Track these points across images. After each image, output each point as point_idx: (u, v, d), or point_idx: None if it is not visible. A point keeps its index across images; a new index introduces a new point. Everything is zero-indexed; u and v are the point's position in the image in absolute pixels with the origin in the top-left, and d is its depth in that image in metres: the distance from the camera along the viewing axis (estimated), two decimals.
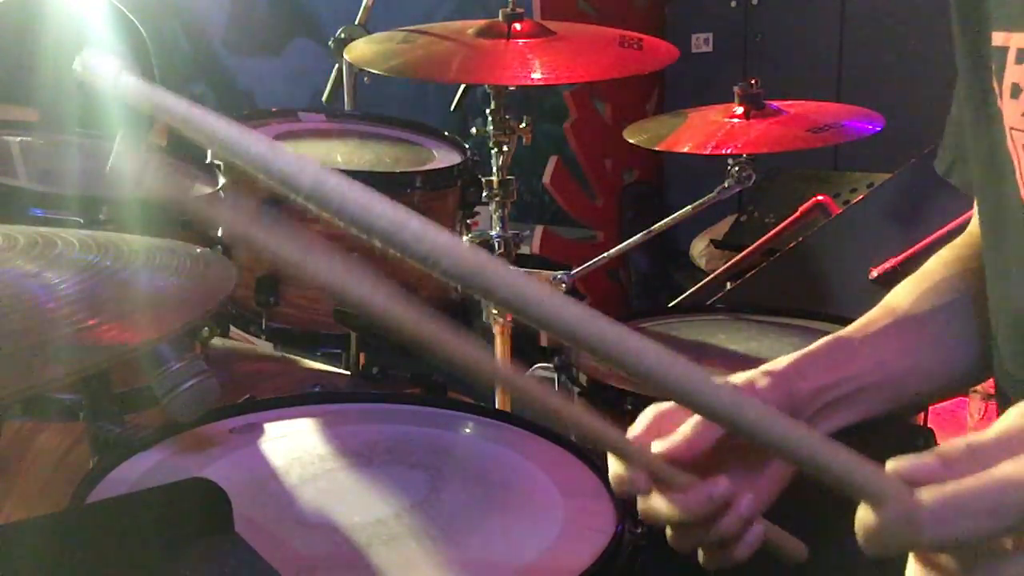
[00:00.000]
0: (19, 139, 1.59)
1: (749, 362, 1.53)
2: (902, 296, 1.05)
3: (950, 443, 0.71)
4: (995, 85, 0.92)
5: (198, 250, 0.94)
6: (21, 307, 0.72)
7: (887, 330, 1.02)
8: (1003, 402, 1.01)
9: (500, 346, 1.85)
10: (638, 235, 2.15)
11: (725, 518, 0.84)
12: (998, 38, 0.92)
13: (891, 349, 1.00)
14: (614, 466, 0.87)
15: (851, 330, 1.02)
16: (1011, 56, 0.90)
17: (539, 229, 4.29)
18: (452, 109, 2.07)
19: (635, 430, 0.89)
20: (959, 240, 1.10)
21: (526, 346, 1.93)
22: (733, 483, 0.85)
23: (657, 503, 0.85)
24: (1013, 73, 0.90)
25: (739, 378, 0.92)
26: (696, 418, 0.86)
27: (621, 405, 1.38)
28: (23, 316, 0.71)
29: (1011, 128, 0.90)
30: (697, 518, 0.84)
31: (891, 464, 0.71)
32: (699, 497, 0.83)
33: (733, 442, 0.86)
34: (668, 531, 0.86)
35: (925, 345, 1.02)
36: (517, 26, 1.71)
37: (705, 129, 2.03)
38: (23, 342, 0.66)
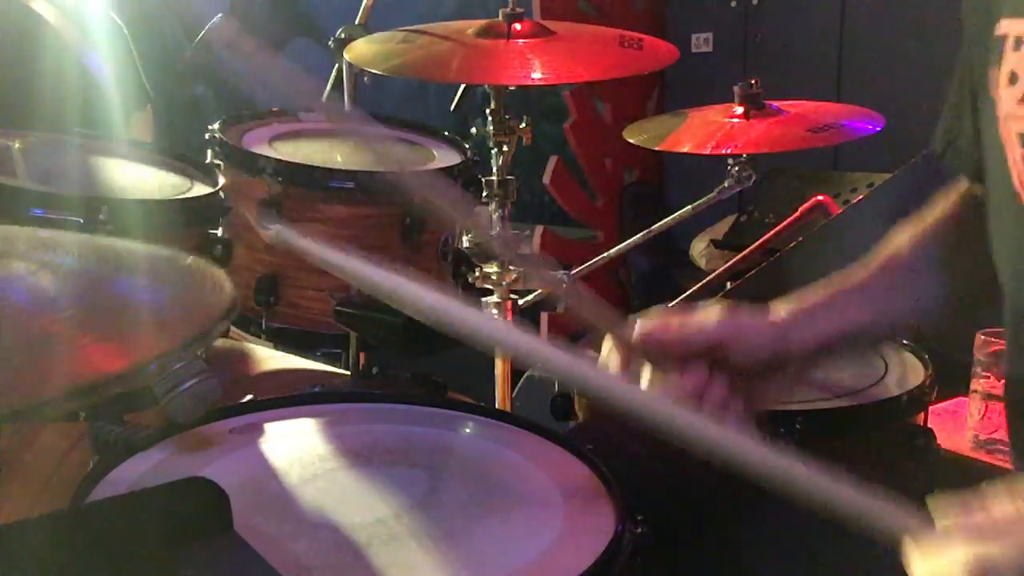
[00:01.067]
0: (19, 139, 1.59)
1: None
2: (902, 243, 1.13)
3: (999, 502, 0.76)
4: (994, 72, 0.92)
5: (189, 259, 0.92)
6: (14, 326, 0.72)
7: (887, 278, 1.11)
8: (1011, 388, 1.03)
9: None
10: (638, 235, 2.15)
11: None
12: (1002, 26, 0.92)
13: (888, 298, 1.10)
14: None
15: (854, 279, 1.10)
16: (1009, 44, 0.90)
17: (539, 229, 4.28)
18: (452, 109, 2.07)
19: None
20: (953, 196, 1.15)
21: None
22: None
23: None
24: (1011, 60, 0.90)
25: (736, 322, 1.02)
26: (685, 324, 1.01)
27: None
28: (16, 333, 0.70)
29: (1006, 116, 0.90)
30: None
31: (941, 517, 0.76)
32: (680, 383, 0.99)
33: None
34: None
35: (917, 291, 1.11)
36: (517, 26, 1.71)
37: (705, 129, 2.03)
38: (15, 361, 0.66)
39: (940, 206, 1.15)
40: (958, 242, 1.11)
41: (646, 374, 1.03)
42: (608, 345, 1.04)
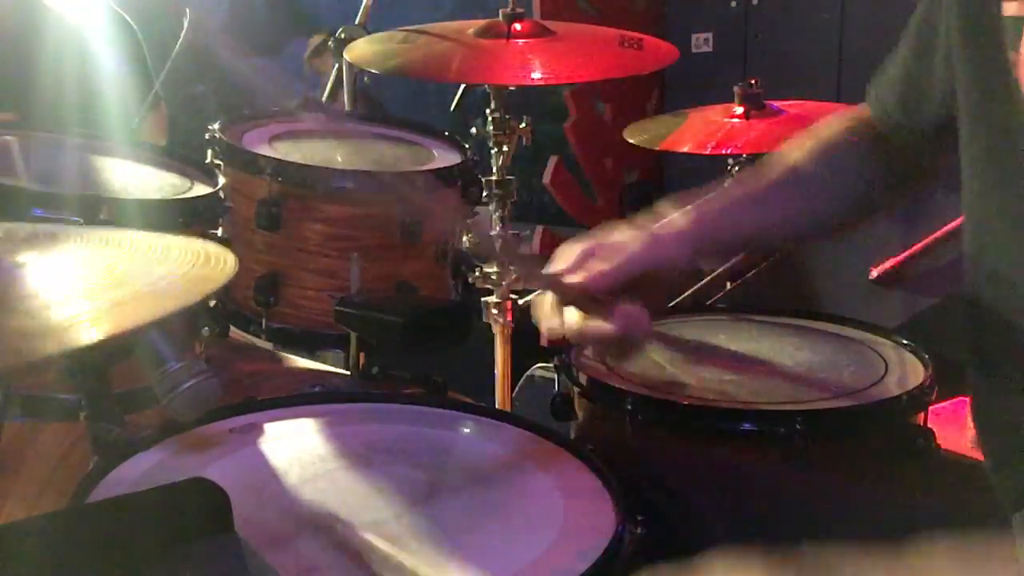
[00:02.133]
0: (19, 139, 1.59)
1: (749, 362, 1.53)
2: (798, 154, 1.24)
3: None
4: (1011, 55, 0.91)
5: (199, 243, 0.94)
6: (14, 294, 0.72)
7: (784, 188, 1.21)
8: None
9: (500, 346, 1.85)
10: None
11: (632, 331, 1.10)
12: (1010, 7, 0.91)
13: (786, 206, 1.21)
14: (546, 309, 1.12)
15: (751, 189, 1.23)
16: None
17: (539, 229, 4.28)
18: (452, 109, 2.07)
19: (559, 264, 1.12)
20: (852, 119, 1.27)
21: (526, 346, 1.93)
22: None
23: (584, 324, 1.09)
24: None
25: (641, 231, 1.13)
26: (611, 261, 1.10)
27: (621, 405, 1.38)
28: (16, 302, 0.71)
29: None
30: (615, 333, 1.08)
31: None
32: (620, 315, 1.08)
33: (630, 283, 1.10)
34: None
35: (815, 198, 1.23)
36: (517, 26, 1.71)
37: (705, 129, 2.04)
38: (20, 324, 0.66)
39: (838, 125, 1.26)
40: (851, 161, 1.22)
41: (573, 316, 1.10)
42: (544, 301, 1.13)
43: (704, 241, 1.16)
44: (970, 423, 1.90)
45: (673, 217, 1.16)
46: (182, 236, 0.96)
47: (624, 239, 1.12)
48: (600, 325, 1.09)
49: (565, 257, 1.13)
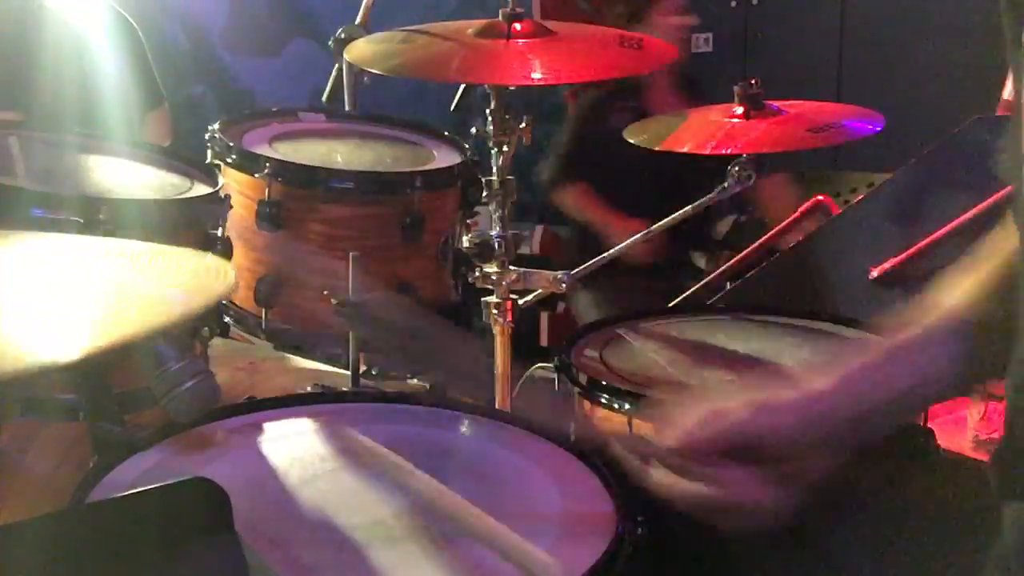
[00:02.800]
0: (19, 139, 1.59)
1: (749, 362, 1.53)
2: (957, 301, 1.01)
3: None
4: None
5: (197, 253, 0.94)
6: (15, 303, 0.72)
7: (939, 340, 0.99)
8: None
9: (500, 346, 1.85)
10: (638, 235, 2.15)
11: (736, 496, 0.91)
12: None
13: (938, 362, 0.98)
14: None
15: (902, 340, 1.00)
16: None
17: (539, 229, 4.28)
18: (452, 109, 2.07)
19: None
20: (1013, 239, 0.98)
21: (526, 346, 1.93)
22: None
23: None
24: None
25: (770, 410, 0.94)
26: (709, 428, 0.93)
27: (620, 405, 1.38)
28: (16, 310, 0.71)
29: None
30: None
31: None
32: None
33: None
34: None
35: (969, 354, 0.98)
36: (517, 26, 1.71)
37: (705, 129, 2.03)
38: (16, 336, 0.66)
39: (998, 249, 1.01)
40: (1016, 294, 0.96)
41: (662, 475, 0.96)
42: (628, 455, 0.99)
43: (831, 403, 0.94)
44: (970, 423, 1.91)
45: (811, 378, 0.97)
46: (183, 244, 0.95)
47: (731, 406, 0.94)
48: (696, 487, 0.93)
49: (675, 421, 0.97)
